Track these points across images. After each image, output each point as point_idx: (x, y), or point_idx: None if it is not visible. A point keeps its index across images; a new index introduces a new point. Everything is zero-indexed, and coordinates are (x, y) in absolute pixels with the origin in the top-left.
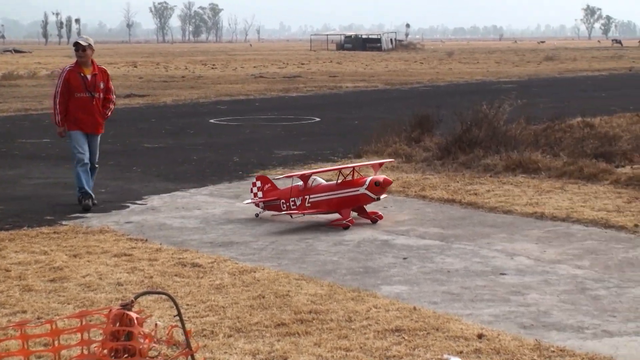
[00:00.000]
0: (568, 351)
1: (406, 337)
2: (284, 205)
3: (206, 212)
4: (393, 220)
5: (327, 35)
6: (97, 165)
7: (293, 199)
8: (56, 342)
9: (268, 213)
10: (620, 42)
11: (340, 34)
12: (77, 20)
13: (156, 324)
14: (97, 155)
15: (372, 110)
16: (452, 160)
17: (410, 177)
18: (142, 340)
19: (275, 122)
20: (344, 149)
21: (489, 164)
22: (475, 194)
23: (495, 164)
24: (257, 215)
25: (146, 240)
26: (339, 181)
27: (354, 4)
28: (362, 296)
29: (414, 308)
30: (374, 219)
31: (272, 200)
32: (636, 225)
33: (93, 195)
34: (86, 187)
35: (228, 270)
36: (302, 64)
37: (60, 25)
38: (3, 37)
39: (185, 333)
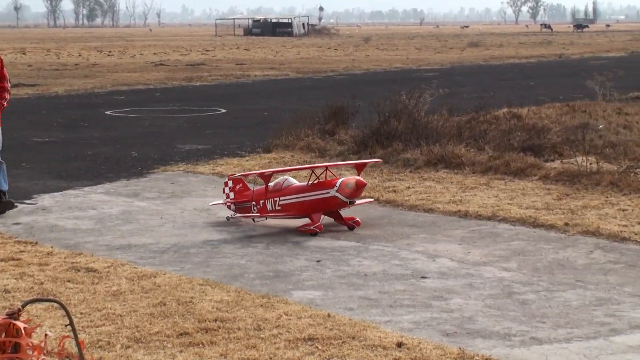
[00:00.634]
0: None
1: (320, 347)
2: (255, 208)
3: (102, 212)
4: (305, 219)
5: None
6: (2, 161)
7: (263, 200)
8: None
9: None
10: (549, 27)
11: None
12: None
13: (46, 335)
14: None
15: (282, 101)
16: (369, 154)
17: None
18: (30, 352)
19: (178, 114)
20: (253, 143)
21: (409, 159)
22: (394, 191)
23: (415, 159)
24: (228, 218)
25: (36, 243)
26: (310, 182)
27: None
28: (272, 302)
29: (328, 315)
30: (351, 225)
31: (243, 202)
32: (566, 224)
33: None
34: None
35: (126, 276)
36: (207, 50)
37: None
38: None
39: (78, 344)
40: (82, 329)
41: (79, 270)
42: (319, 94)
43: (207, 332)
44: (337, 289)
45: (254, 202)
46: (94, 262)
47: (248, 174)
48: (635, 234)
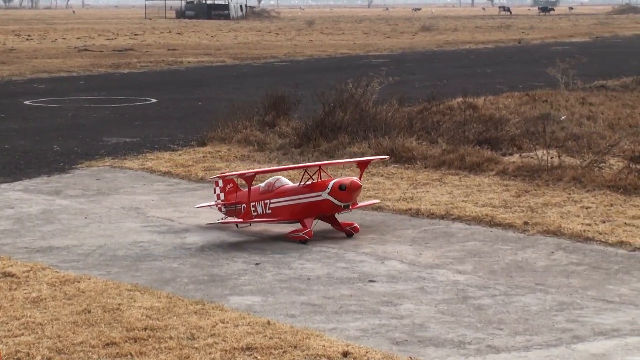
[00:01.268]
0: None
1: (259, 357)
2: (245, 211)
3: (20, 212)
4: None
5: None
6: None
7: (253, 203)
8: None
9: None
10: (508, 10)
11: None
12: None
13: None
14: None
15: (218, 90)
16: (313, 148)
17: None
18: None
19: (104, 104)
20: (186, 136)
21: (356, 152)
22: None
23: (363, 152)
24: (237, 227)
25: None
26: (303, 183)
27: None
28: (207, 309)
29: (268, 322)
30: (349, 231)
31: (233, 204)
32: (526, 223)
33: None
34: None
35: (47, 281)
36: (135, 35)
37: None
38: None
39: None
40: None
41: None
42: (258, 82)
43: (135, 341)
44: (278, 294)
45: (244, 204)
46: (11, 266)
47: (226, 175)
48: (600, 234)
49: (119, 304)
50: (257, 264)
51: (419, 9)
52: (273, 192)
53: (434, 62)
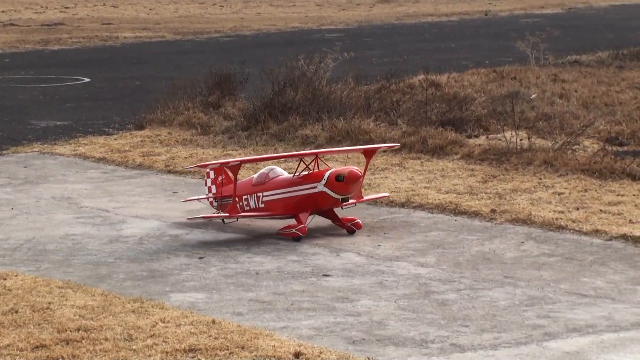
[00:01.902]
0: None
1: (203, 359)
2: (237, 205)
3: None
4: (185, 209)
5: None
6: None
7: (246, 196)
8: None
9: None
10: None
11: None
12: None
13: None
14: None
15: (157, 68)
16: (262, 130)
17: (207, 153)
18: None
19: (32, 84)
20: (122, 118)
21: (308, 135)
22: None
23: (316, 135)
24: (223, 222)
25: None
26: (298, 174)
27: None
28: (146, 308)
29: (213, 321)
30: (350, 227)
31: (226, 198)
32: (493, 211)
33: None
34: None
35: None
36: (66, 7)
37: None
38: None
39: None
40: None
41: None
42: (201, 59)
43: (68, 343)
44: (224, 290)
45: (236, 199)
46: None
47: (208, 164)
48: (573, 222)
49: (50, 303)
50: (200, 257)
51: None
52: (266, 183)
53: (393, 36)
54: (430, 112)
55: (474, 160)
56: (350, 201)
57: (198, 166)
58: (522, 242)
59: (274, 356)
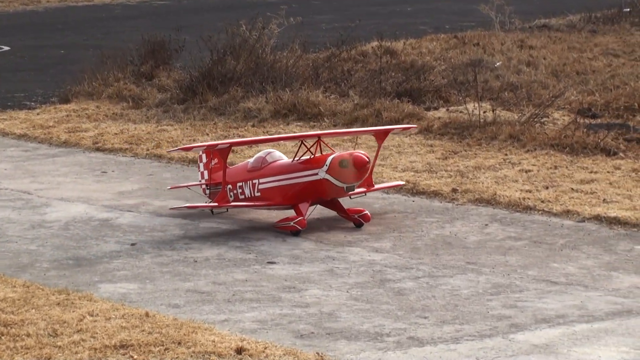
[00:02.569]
0: None
1: (135, 356)
2: (231, 193)
3: None
4: (116, 190)
5: None
6: None
7: (240, 184)
8: None
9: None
10: None
11: None
12: None
13: None
14: None
15: (84, 35)
16: (200, 103)
17: (140, 128)
18: None
19: None
20: (45, 91)
21: (251, 109)
22: (233, 151)
23: (259, 109)
24: (211, 212)
25: None
26: (298, 159)
27: None
28: (73, 300)
29: (147, 314)
30: (357, 220)
31: (218, 185)
32: (454, 191)
33: None
34: None
35: None
36: None
37: None
38: None
39: None
40: None
41: None
42: (132, 25)
43: None
44: (158, 280)
45: (229, 186)
46: None
47: (193, 147)
48: (542, 202)
49: None
50: (132, 244)
51: None
52: (262, 169)
53: None
54: (385, 83)
55: (433, 135)
56: (359, 190)
57: (182, 149)
58: (486, 225)
59: (214, 352)
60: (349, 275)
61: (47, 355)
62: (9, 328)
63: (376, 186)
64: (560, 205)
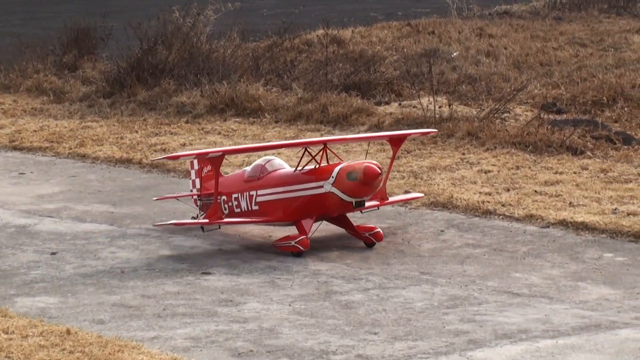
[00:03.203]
0: None
1: None
2: (225, 206)
3: None
4: (34, 193)
5: None
6: None
7: (236, 195)
8: None
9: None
10: None
11: None
12: None
13: None
14: None
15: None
16: (128, 97)
17: (62, 125)
18: None
19: None
20: None
21: (185, 103)
22: (164, 150)
23: (194, 103)
24: (193, 218)
25: None
26: (301, 168)
27: None
28: None
29: (68, 331)
30: (368, 239)
31: (210, 196)
32: (407, 193)
33: None
34: None
35: None
36: None
37: None
38: None
39: None
40: None
41: None
42: (54, 10)
43: None
44: (81, 293)
45: (224, 197)
46: None
47: (179, 155)
48: (503, 206)
49: None
50: (53, 253)
51: None
52: (261, 179)
53: None
54: (332, 75)
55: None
56: (371, 204)
57: (168, 157)
58: (442, 231)
59: None
60: (292, 286)
61: None
62: None
63: (391, 199)
64: (523, 209)
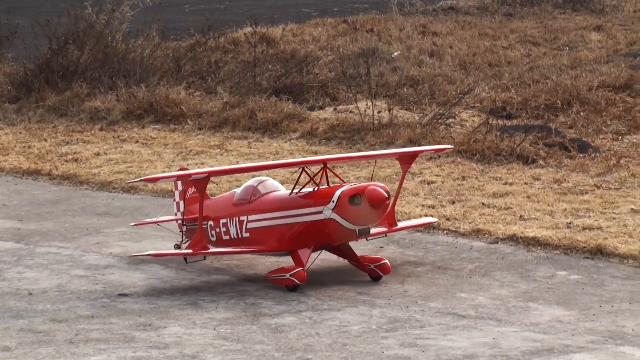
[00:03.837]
0: None
1: None
2: (212, 232)
3: None
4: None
5: None
6: None
7: (224, 220)
8: None
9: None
10: None
11: None
12: None
13: None
14: None
15: None
16: (36, 102)
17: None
18: None
19: None
20: None
21: (99, 109)
22: (76, 160)
23: (109, 108)
24: (176, 246)
25: None
26: (297, 191)
27: None
28: None
29: None
30: (374, 271)
31: (195, 221)
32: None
33: None
34: None
35: None
36: None
37: None
38: None
39: None
40: None
41: None
42: None
43: None
44: None
45: (211, 222)
46: None
47: (158, 178)
48: (447, 220)
49: None
50: None
51: None
52: (252, 202)
53: None
54: (261, 77)
55: (318, 139)
56: (377, 230)
57: (145, 180)
58: (381, 247)
59: None
60: (217, 309)
61: None
62: None
63: (400, 224)
64: (469, 223)
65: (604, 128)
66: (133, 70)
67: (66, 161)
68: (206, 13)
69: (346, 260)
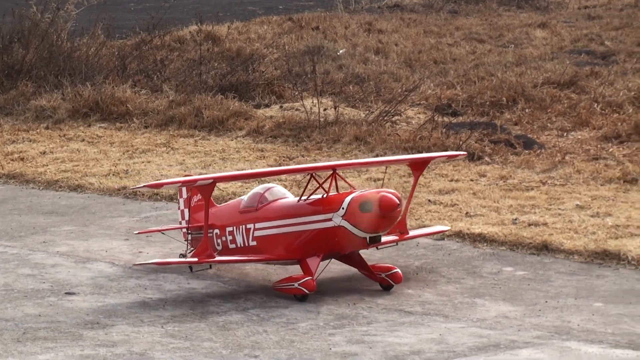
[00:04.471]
0: None
1: None
2: (218, 241)
3: None
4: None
5: None
6: None
7: (230, 229)
8: None
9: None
10: None
11: None
12: None
13: None
14: None
15: None
16: None
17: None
18: None
19: None
20: None
21: (45, 107)
22: (22, 159)
23: (55, 107)
24: (181, 255)
25: None
26: (306, 198)
27: None
28: None
29: None
30: (385, 280)
31: (200, 229)
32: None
33: None
34: None
35: None
36: None
37: None
38: None
39: None
40: None
41: None
42: None
43: None
44: None
45: (216, 230)
46: None
47: (161, 184)
48: None
49: None
50: None
51: None
52: (259, 210)
53: None
54: (206, 75)
55: (264, 137)
56: (389, 238)
57: (149, 186)
58: None
59: None
60: (164, 307)
61: None
62: None
63: (412, 232)
64: (415, 220)
65: (549, 125)
66: (79, 69)
67: (12, 160)
68: (152, 11)
69: (352, 268)
